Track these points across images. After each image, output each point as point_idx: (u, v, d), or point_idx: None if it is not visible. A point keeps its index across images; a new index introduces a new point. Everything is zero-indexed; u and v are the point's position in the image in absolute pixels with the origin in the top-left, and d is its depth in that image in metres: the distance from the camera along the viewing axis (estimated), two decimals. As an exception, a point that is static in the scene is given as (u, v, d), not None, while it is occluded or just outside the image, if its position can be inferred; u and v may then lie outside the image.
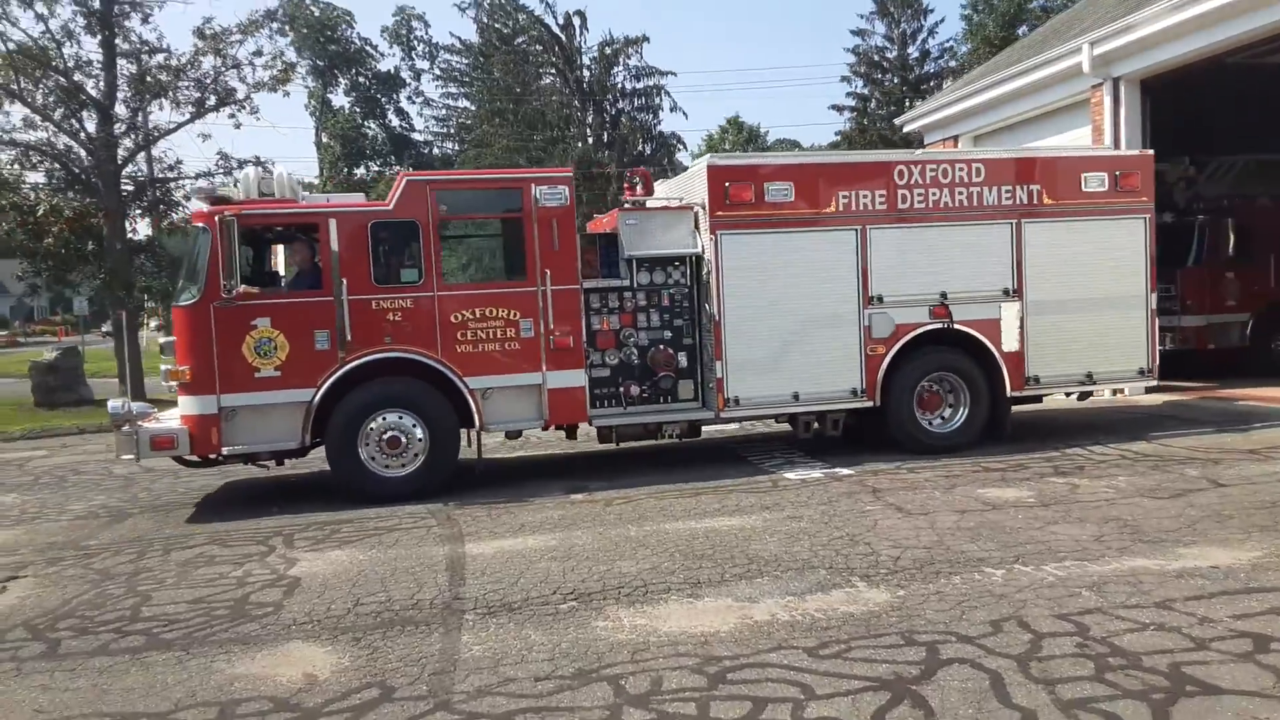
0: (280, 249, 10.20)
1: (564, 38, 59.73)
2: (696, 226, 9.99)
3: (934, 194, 10.16)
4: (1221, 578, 5.61)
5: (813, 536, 7.06)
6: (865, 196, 10.04)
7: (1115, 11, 14.48)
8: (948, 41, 60.78)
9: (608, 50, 59.56)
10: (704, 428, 10.77)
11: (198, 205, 9.61)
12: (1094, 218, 10.49)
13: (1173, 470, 8.62)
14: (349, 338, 8.95)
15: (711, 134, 65.63)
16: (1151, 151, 11.26)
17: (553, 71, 61.56)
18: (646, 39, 58.53)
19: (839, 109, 60.38)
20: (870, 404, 10.18)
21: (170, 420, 9.16)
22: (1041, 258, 10.37)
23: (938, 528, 7.10)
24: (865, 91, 59.86)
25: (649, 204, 10.28)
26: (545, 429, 9.81)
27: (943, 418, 10.46)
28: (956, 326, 10.25)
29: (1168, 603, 5.25)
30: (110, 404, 9.34)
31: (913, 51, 59.44)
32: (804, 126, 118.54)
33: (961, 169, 10.24)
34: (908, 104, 58.26)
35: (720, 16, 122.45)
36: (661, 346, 9.97)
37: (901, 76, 58.90)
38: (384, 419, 9.10)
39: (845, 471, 9.53)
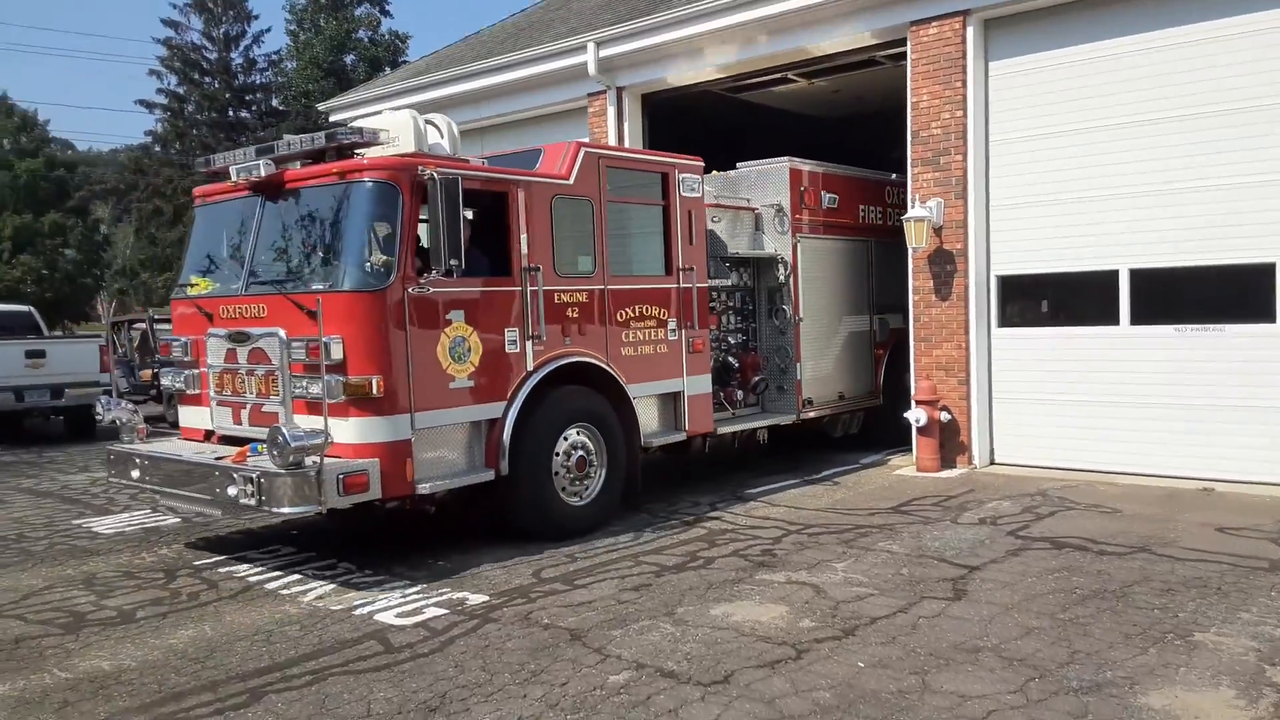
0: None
1: None
2: (758, 228, 10.04)
3: (895, 214, 10.94)
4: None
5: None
6: (871, 211, 11.03)
7: (603, 17, 13.09)
8: (275, 54, 56.91)
9: None
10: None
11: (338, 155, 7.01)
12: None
13: (874, 549, 6.90)
14: (544, 338, 7.29)
15: (-32, 114, 51.61)
16: None
17: None
18: None
19: (149, 105, 52.32)
20: (879, 402, 10.96)
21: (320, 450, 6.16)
22: None
23: (789, 712, 4.21)
24: (182, 91, 52.86)
25: (717, 201, 9.65)
26: (685, 443, 8.72)
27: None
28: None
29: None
30: (286, 430, 6.00)
31: (236, 57, 54.24)
32: (96, 113, 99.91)
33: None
34: (231, 112, 53.01)
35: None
36: (750, 349, 9.96)
37: (225, 81, 53.29)
38: (571, 436, 7.55)
39: (473, 598, 6.02)
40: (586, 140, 8.25)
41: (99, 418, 7.84)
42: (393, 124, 7.11)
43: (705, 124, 13.79)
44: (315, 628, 5.57)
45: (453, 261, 6.38)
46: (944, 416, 9.73)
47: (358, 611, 5.84)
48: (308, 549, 7.44)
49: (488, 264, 7.18)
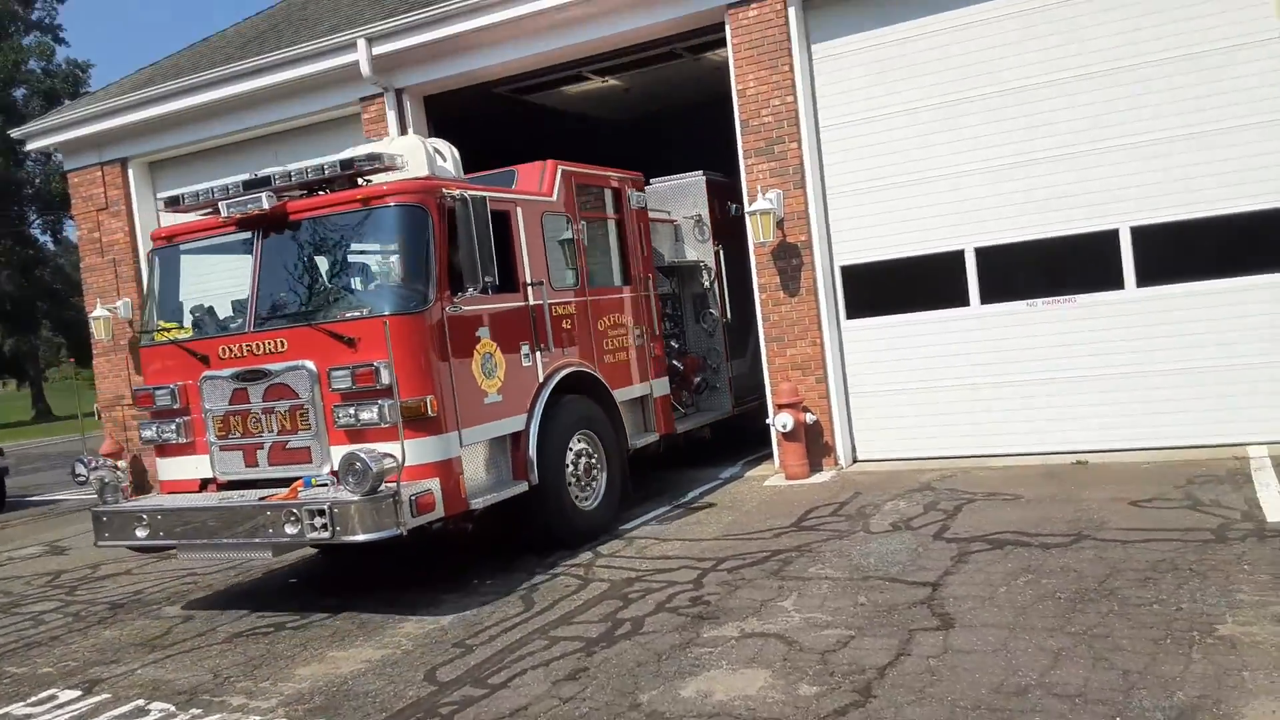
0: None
1: None
2: (678, 238, 10.45)
3: None
4: None
5: None
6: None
7: (372, 11, 11.59)
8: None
9: None
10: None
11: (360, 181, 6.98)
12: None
13: (809, 576, 6.05)
14: (551, 350, 7.63)
15: None
16: None
17: None
18: None
19: None
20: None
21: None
22: None
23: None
24: None
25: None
26: (657, 443, 9.07)
27: None
28: None
29: None
30: (365, 456, 5.94)
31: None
32: None
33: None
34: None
35: None
36: (686, 352, 10.35)
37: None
38: (577, 444, 7.79)
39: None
40: (561, 161, 8.18)
41: (80, 479, 7.25)
42: (403, 149, 7.16)
43: (494, 131, 12.59)
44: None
45: (487, 278, 6.52)
46: (809, 418, 9.16)
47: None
48: (98, 690, 5.57)
49: (497, 282, 7.12)
